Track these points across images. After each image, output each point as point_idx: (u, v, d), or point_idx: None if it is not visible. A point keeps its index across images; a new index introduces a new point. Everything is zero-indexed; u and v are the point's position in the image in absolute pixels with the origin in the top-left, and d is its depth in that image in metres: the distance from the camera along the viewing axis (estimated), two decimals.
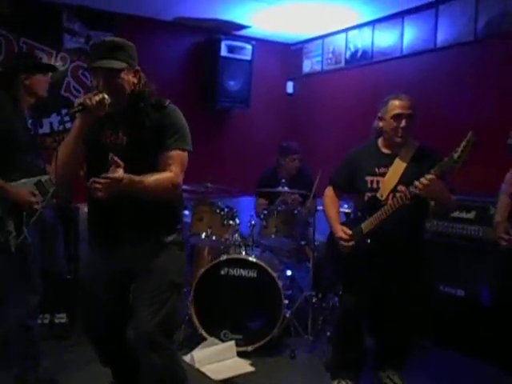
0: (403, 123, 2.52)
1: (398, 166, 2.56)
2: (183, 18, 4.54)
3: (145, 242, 2.05)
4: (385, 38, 4.38)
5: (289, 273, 3.82)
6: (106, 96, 1.89)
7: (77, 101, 1.90)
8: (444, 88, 3.85)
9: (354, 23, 4.60)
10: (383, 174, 2.58)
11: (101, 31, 4.27)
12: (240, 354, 3.17)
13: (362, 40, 4.62)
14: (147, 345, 2.00)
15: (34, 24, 4.01)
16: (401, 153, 2.58)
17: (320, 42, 5.10)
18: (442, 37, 3.88)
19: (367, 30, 4.55)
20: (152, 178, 1.91)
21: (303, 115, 5.29)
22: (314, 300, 3.56)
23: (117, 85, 1.95)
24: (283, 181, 3.69)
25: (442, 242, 3.38)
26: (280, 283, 3.27)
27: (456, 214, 3.32)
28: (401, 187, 2.51)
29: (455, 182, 2.51)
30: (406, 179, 2.49)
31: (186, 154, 2.04)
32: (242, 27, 4.79)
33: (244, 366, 3.06)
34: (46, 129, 4.14)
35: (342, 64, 4.84)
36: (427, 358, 3.21)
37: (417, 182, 2.31)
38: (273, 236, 3.53)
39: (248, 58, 4.80)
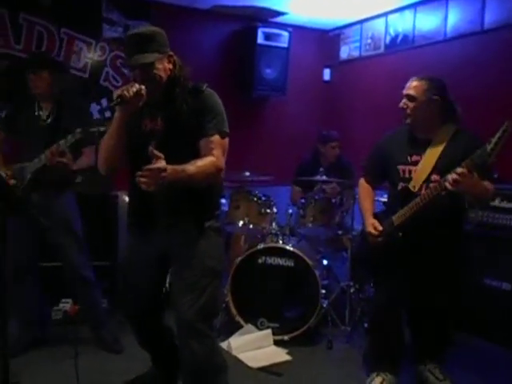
0: (401, 103, 2.45)
1: (432, 154, 2.41)
2: (220, 5, 4.52)
3: (183, 226, 2.06)
4: (427, 21, 4.22)
5: (325, 262, 3.79)
6: (142, 86, 1.91)
7: (115, 93, 1.91)
8: (491, 73, 3.69)
9: (395, 6, 4.46)
10: (416, 163, 2.44)
11: (138, 20, 4.29)
12: (276, 343, 3.17)
13: (402, 24, 4.48)
14: (187, 331, 2.02)
15: (74, 14, 4.07)
16: (435, 138, 2.43)
17: (358, 27, 4.97)
18: (490, 18, 3.70)
19: (408, 14, 4.40)
20: (195, 166, 1.90)
21: (340, 103, 5.20)
22: (351, 291, 3.52)
23: (154, 76, 1.96)
24: (321, 169, 3.64)
25: (485, 233, 3.25)
26: (317, 273, 3.25)
27: (500, 203, 3.19)
28: (434, 177, 2.36)
29: (497, 169, 2.39)
30: (440, 168, 2.35)
31: (226, 137, 2.03)
32: (279, 14, 4.73)
33: (280, 355, 3.06)
34: None
35: (382, 49, 4.71)
36: (471, 353, 3.12)
37: (449, 176, 2.17)
38: (310, 225, 3.50)
39: (285, 45, 4.74)
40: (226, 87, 4.61)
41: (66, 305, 3.53)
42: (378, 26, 4.74)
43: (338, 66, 5.25)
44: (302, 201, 3.58)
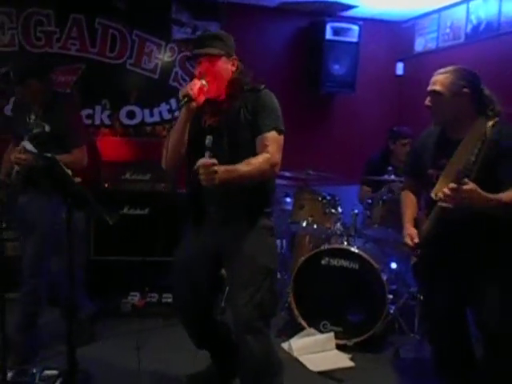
0: (426, 101, 2.18)
1: (459, 157, 2.06)
2: (287, 2, 4.46)
3: (235, 224, 2.11)
4: None
5: (394, 266, 3.62)
6: (203, 82, 2.01)
7: (181, 93, 2.00)
8: None
9: None
10: (443, 167, 2.14)
11: (207, 21, 4.35)
12: (339, 347, 3.07)
13: (486, 10, 4.15)
14: (243, 328, 2.05)
15: (146, 17, 4.20)
16: (464, 139, 2.07)
17: (436, 16, 4.69)
18: None
19: None
20: (247, 164, 1.96)
21: (414, 98, 4.91)
22: (421, 297, 3.33)
23: (215, 71, 2.06)
24: (390, 168, 3.48)
25: None
26: (384, 276, 3.11)
27: None
28: (451, 184, 1.94)
29: None
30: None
31: (281, 134, 2.08)
32: (349, 7, 4.58)
33: (343, 360, 2.96)
34: (156, 118, 4.35)
35: (462, 39, 4.41)
36: None
37: (445, 189, 1.89)
38: (377, 226, 3.36)
39: (354, 39, 4.59)
40: (293, 84, 4.57)
41: (134, 298, 3.66)
42: (458, 13, 4.44)
43: (412, 59, 5.00)
44: (369, 201, 3.44)
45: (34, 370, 2.50)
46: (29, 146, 2.50)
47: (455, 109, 2.15)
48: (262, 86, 2.11)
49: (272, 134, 2.03)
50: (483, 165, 1.92)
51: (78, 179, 2.03)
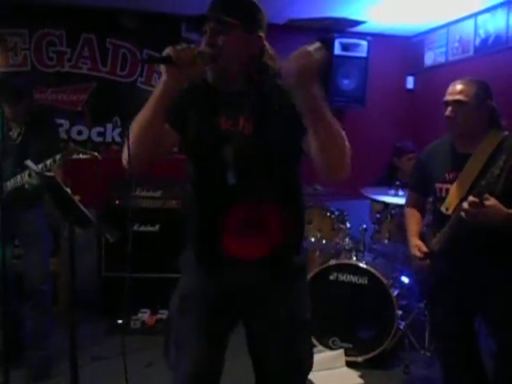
0: (447, 112, 2.12)
1: (471, 169, 2.03)
2: (295, 19, 4.50)
3: (272, 265, 1.55)
4: None
5: (405, 280, 3.57)
6: (202, 52, 1.45)
7: (165, 50, 1.43)
8: None
9: (485, 6, 4.16)
10: (453, 181, 2.10)
11: None
12: (349, 364, 3.04)
13: (494, 24, 4.14)
14: None
15: (156, 36, 4.27)
16: (476, 151, 2.05)
17: (444, 30, 4.70)
18: None
19: (501, 12, 4.06)
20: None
21: (425, 112, 4.92)
22: (426, 312, 3.27)
23: (223, 45, 1.46)
24: (397, 183, 3.46)
25: None
26: (393, 292, 3.08)
27: None
28: (471, 198, 1.92)
29: None
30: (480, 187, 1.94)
31: None
32: (357, 23, 4.61)
33: (353, 377, 2.92)
34: None
35: (471, 53, 4.41)
36: None
37: (465, 204, 1.85)
38: (386, 241, 3.33)
39: (363, 54, 4.59)
40: None
41: (144, 315, 3.67)
42: (467, 27, 4.45)
43: (422, 73, 5.00)
44: (377, 216, 3.42)
45: None
46: (31, 164, 2.55)
47: (477, 119, 2.13)
48: None
49: None
50: (508, 178, 1.87)
51: (77, 197, 2.05)
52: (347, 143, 1.40)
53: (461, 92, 2.12)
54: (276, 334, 1.58)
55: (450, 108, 2.15)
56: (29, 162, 2.51)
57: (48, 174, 2.06)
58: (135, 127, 1.46)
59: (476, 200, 1.84)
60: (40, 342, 2.89)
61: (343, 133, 1.39)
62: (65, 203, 2.01)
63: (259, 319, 1.60)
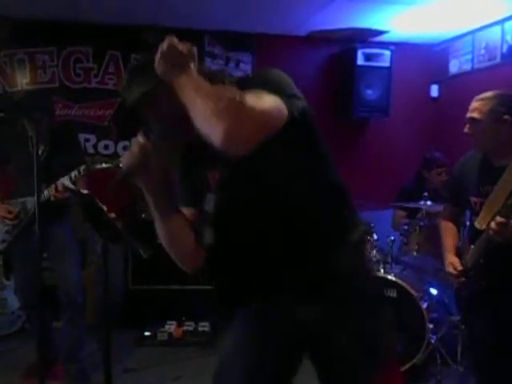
0: (465, 128, 2.13)
1: (505, 184, 1.99)
2: (317, 31, 4.50)
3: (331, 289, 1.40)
4: None
5: (434, 292, 3.50)
6: (139, 138, 1.35)
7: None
8: None
9: None
10: (487, 195, 2.06)
11: (239, 51, 4.45)
12: None
13: None
14: None
15: None
16: (510, 166, 2.01)
17: (469, 38, 4.63)
18: None
19: None
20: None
21: (450, 121, 4.84)
22: (463, 326, 3.19)
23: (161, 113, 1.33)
24: (425, 194, 3.40)
25: None
26: (423, 305, 3.01)
27: None
28: (499, 219, 1.89)
29: None
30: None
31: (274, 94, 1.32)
32: (380, 33, 4.59)
33: None
34: None
35: (498, 60, 4.34)
36: None
37: (492, 223, 1.84)
38: (415, 253, 3.27)
39: (386, 64, 4.58)
40: (325, 111, 4.57)
41: (171, 326, 3.67)
42: (493, 34, 4.38)
43: (447, 81, 4.93)
44: (405, 227, 3.37)
45: None
46: (67, 182, 2.60)
47: (495, 136, 2.10)
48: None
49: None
50: None
51: (112, 214, 2.08)
52: (229, 106, 1.15)
53: (474, 110, 2.12)
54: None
55: (467, 125, 2.15)
56: (64, 180, 2.56)
57: (83, 191, 2.09)
58: (165, 244, 1.47)
59: (503, 221, 1.82)
60: (76, 354, 2.93)
61: (221, 97, 1.17)
62: (99, 220, 2.04)
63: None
